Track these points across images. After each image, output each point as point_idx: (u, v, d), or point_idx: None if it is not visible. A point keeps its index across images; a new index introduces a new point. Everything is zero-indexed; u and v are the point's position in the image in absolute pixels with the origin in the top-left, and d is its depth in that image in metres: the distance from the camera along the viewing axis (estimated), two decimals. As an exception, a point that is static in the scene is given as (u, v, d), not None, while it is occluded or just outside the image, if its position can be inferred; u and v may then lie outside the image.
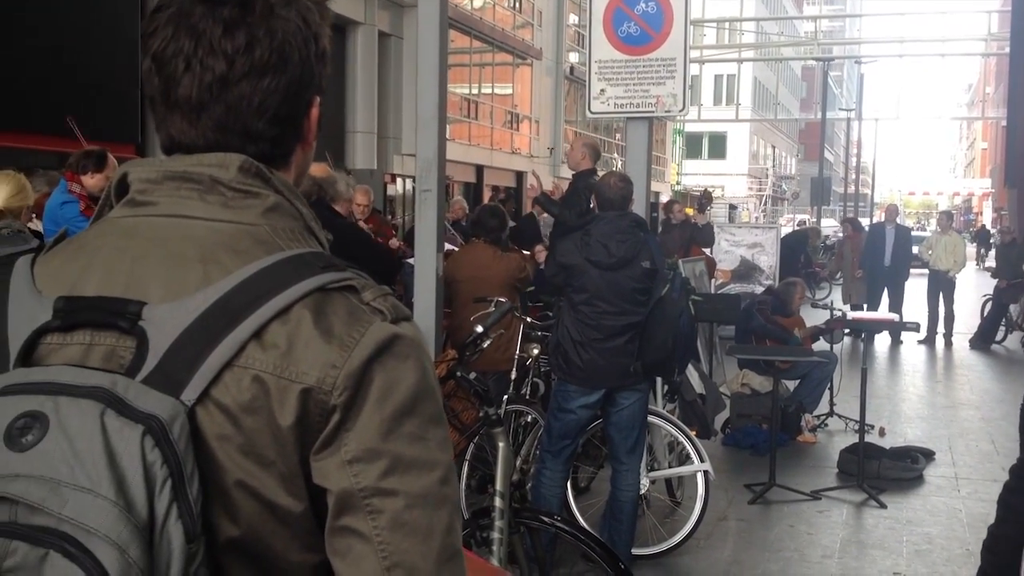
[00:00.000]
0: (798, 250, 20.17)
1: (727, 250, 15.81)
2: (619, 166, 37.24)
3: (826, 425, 9.20)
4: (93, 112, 14.09)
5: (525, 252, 7.29)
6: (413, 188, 22.71)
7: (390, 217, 15.12)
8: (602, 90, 6.60)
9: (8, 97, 14.20)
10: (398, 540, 1.04)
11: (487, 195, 28.38)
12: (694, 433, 6.12)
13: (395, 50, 24.01)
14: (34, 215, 7.18)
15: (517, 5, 32.17)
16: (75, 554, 0.92)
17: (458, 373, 3.85)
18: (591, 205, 6.09)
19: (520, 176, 31.55)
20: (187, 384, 1.01)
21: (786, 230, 24.82)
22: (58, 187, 6.22)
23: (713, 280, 13.22)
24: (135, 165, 1.17)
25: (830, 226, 38.20)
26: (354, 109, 21.72)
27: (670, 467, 6.33)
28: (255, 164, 1.14)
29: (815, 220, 37.60)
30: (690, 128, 54.38)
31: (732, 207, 54.04)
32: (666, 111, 6.57)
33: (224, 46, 1.11)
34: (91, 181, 6.16)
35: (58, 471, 0.94)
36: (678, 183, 50.33)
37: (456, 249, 7.67)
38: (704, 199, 14.60)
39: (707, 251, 13.77)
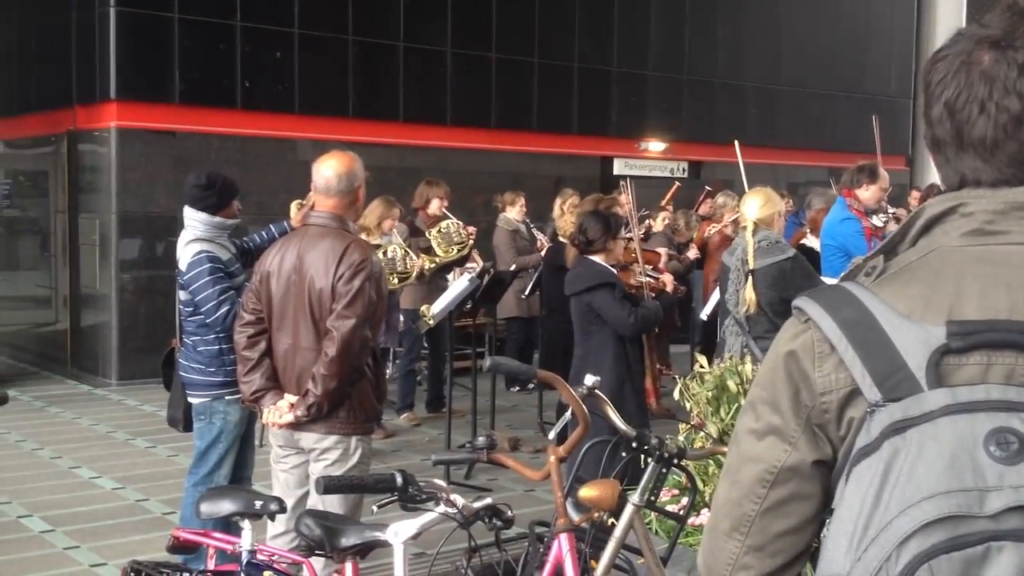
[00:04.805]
0: None
1: None
2: None
3: None
4: (862, 124, 14.34)
5: None
6: None
7: None
8: None
9: (781, 113, 15.07)
10: None
11: None
12: None
13: None
14: (808, 230, 7.50)
15: None
16: None
17: None
18: None
19: None
20: None
21: None
22: (837, 204, 6.39)
23: None
24: (974, 197, 1.25)
25: None
26: None
27: None
28: None
29: None
30: None
31: None
32: None
33: (1019, 87, 1.19)
34: (865, 194, 6.22)
35: None
36: None
37: None
38: None
39: None
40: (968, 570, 1.03)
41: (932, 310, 1.18)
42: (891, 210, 6.55)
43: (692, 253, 9.23)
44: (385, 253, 7.52)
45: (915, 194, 10.99)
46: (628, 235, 6.29)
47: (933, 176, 14.75)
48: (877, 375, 1.15)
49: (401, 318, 8.22)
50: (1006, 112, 1.20)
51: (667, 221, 9.80)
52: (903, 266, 1.26)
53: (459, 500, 2.88)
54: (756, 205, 5.45)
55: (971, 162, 1.24)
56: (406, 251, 7.75)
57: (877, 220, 6.30)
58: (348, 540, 3.03)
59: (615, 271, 5.67)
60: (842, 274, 1.35)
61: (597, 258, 5.57)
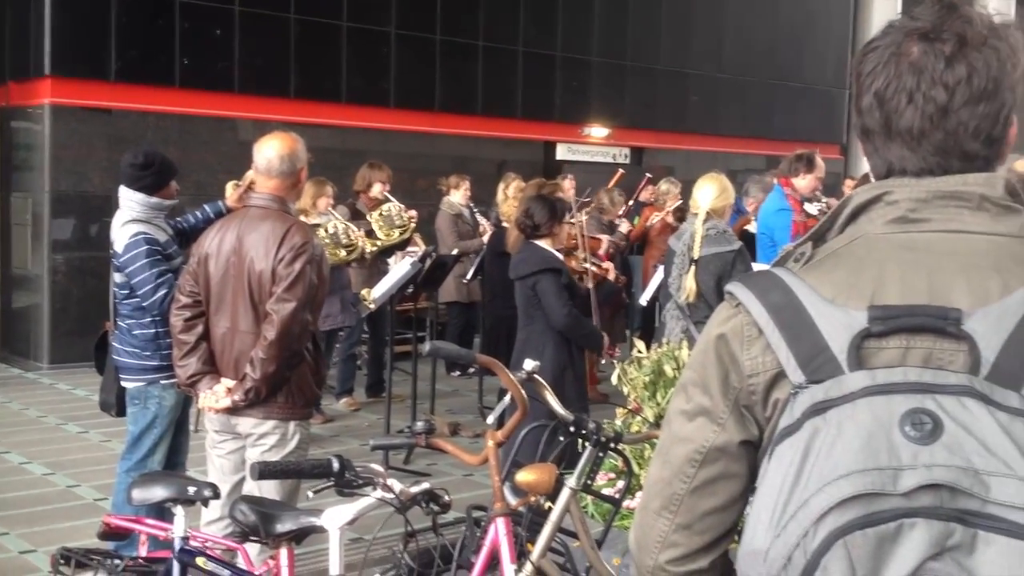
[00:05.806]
0: None
1: None
2: None
3: None
4: (799, 113, 14.54)
5: None
6: None
7: None
8: None
9: (722, 101, 15.18)
10: None
11: None
12: None
13: None
14: (753, 218, 7.58)
15: None
16: (1015, 531, 1.03)
17: None
18: None
19: None
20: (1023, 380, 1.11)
21: None
22: (774, 191, 6.47)
23: None
24: (899, 186, 1.28)
25: None
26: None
27: None
28: (1013, 183, 1.25)
29: None
30: None
31: None
32: None
33: (945, 78, 1.23)
34: (802, 183, 6.31)
35: (970, 461, 1.06)
36: None
37: None
38: None
39: None
40: (882, 545, 1.06)
41: (855, 295, 1.21)
42: (823, 199, 6.65)
43: (624, 227, 9.29)
44: (326, 230, 7.50)
45: (849, 183, 11.15)
46: (572, 220, 6.31)
47: (868, 165, 15.03)
48: (801, 357, 1.19)
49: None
50: (932, 102, 1.24)
51: (592, 204, 9.77)
52: (830, 252, 1.30)
53: (396, 485, 2.88)
54: (711, 195, 5.41)
55: (898, 151, 1.28)
56: (347, 224, 7.74)
57: (811, 208, 6.39)
58: (283, 526, 3.01)
59: (560, 257, 5.68)
60: (773, 260, 1.37)
61: (543, 243, 5.56)
